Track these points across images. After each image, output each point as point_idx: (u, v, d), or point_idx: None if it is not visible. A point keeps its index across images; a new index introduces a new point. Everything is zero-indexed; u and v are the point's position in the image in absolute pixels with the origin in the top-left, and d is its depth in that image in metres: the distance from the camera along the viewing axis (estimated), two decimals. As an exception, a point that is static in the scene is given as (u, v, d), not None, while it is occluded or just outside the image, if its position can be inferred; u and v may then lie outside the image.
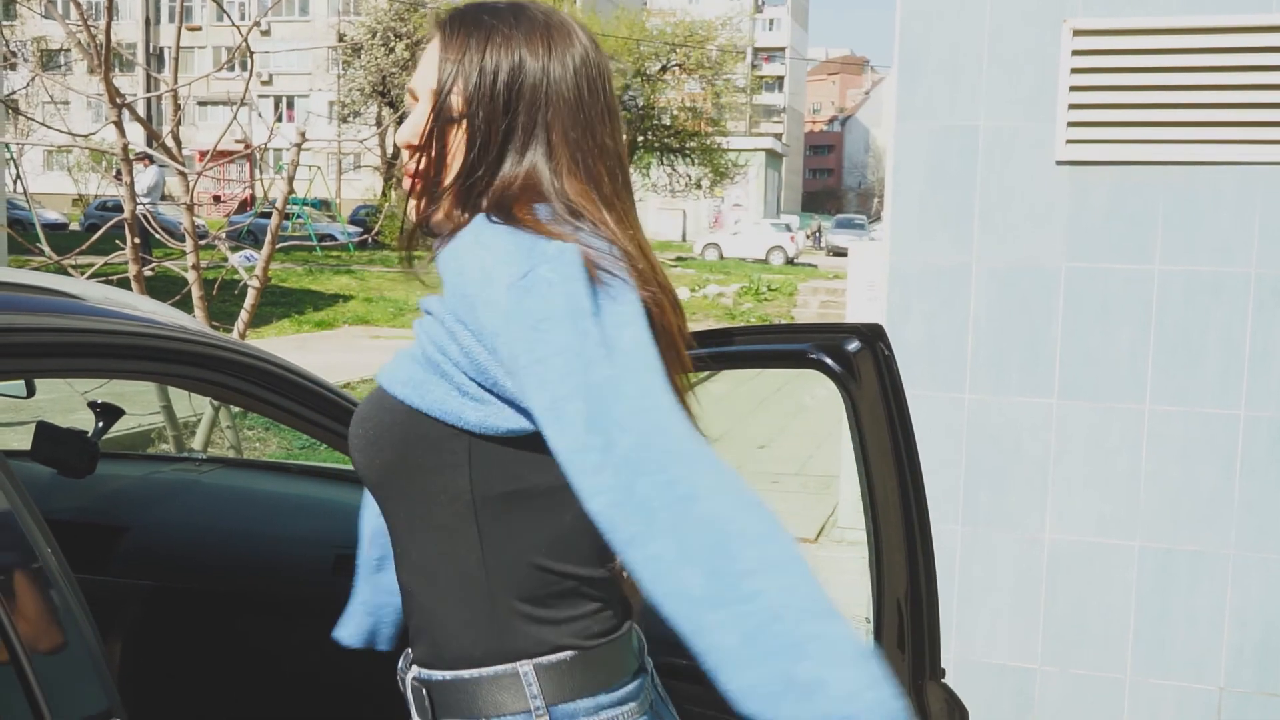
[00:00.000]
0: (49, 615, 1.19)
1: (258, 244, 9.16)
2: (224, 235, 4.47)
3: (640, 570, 0.95)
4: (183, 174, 4.03)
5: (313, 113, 44.95)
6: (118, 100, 3.77)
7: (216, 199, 30.87)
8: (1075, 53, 3.13)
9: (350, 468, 1.21)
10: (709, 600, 0.93)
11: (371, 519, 1.42)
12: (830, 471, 6.90)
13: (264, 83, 49.39)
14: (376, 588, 1.44)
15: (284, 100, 51.59)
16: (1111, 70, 3.13)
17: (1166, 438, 3.18)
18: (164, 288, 4.48)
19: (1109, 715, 3.27)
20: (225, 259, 4.34)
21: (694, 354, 1.20)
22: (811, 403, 9.69)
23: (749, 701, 0.91)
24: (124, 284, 3.45)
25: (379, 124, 30.61)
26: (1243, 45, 3.02)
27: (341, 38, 38.09)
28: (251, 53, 3.97)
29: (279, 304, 13.86)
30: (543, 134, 1.14)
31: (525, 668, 1.11)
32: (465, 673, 1.13)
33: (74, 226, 28.78)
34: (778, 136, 61.92)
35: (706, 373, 1.63)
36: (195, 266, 3.98)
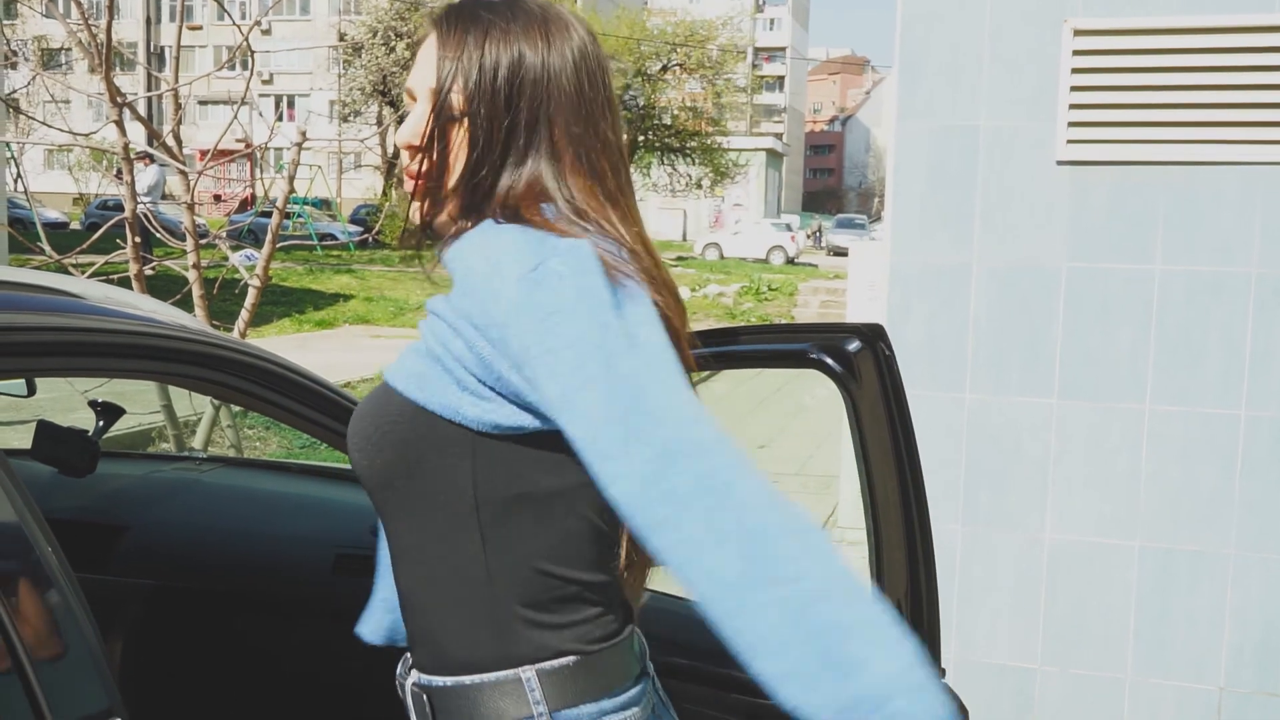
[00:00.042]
0: (49, 614, 1.19)
1: (258, 243, 9.16)
2: (225, 234, 4.48)
3: (670, 552, 0.94)
4: (183, 173, 4.03)
5: (313, 112, 44.93)
6: (118, 99, 3.77)
7: (217, 198, 30.86)
8: (1076, 53, 3.13)
9: (351, 467, 1.19)
10: (748, 581, 0.91)
11: None
12: (830, 471, 6.90)
13: (265, 82, 49.40)
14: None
15: (285, 99, 51.60)
16: (1112, 70, 3.13)
17: (1167, 438, 3.18)
18: (164, 287, 4.48)
19: (1109, 715, 3.27)
20: (226, 258, 4.35)
21: (695, 353, 1.19)
22: (811, 402, 9.69)
23: (787, 684, 0.89)
24: (124, 283, 3.45)
25: (380, 123, 30.61)
26: (1243, 45, 3.02)
27: (342, 37, 38.07)
28: (252, 52, 3.97)
29: (279, 303, 13.86)
30: (545, 130, 1.12)
31: (527, 673, 1.10)
32: (466, 678, 1.12)
33: (75, 225, 28.77)
34: (778, 136, 61.89)
35: (707, 372, 1.63)
36: (196, 266, 3.98)
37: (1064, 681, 3.29)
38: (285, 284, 15.64)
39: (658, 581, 1.38)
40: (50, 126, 4.25)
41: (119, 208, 4.04)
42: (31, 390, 2.48)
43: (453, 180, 1.13)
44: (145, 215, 4.34)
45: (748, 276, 21.54)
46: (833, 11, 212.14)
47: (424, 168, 1.14)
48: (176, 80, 4.05)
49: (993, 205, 3.24)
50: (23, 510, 1.18)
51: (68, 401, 2.75)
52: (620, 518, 0.98)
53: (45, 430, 2.26)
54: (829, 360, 1.63)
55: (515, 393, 1.05)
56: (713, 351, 1.64)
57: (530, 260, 1.02)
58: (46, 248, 4.12)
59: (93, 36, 4.00)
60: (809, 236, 43.16)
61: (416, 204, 1.16)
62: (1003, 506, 3.30)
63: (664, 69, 34.98)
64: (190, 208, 4.05)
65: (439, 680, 1.14)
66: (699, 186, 35.72)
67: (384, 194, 30.81)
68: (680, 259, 28.41)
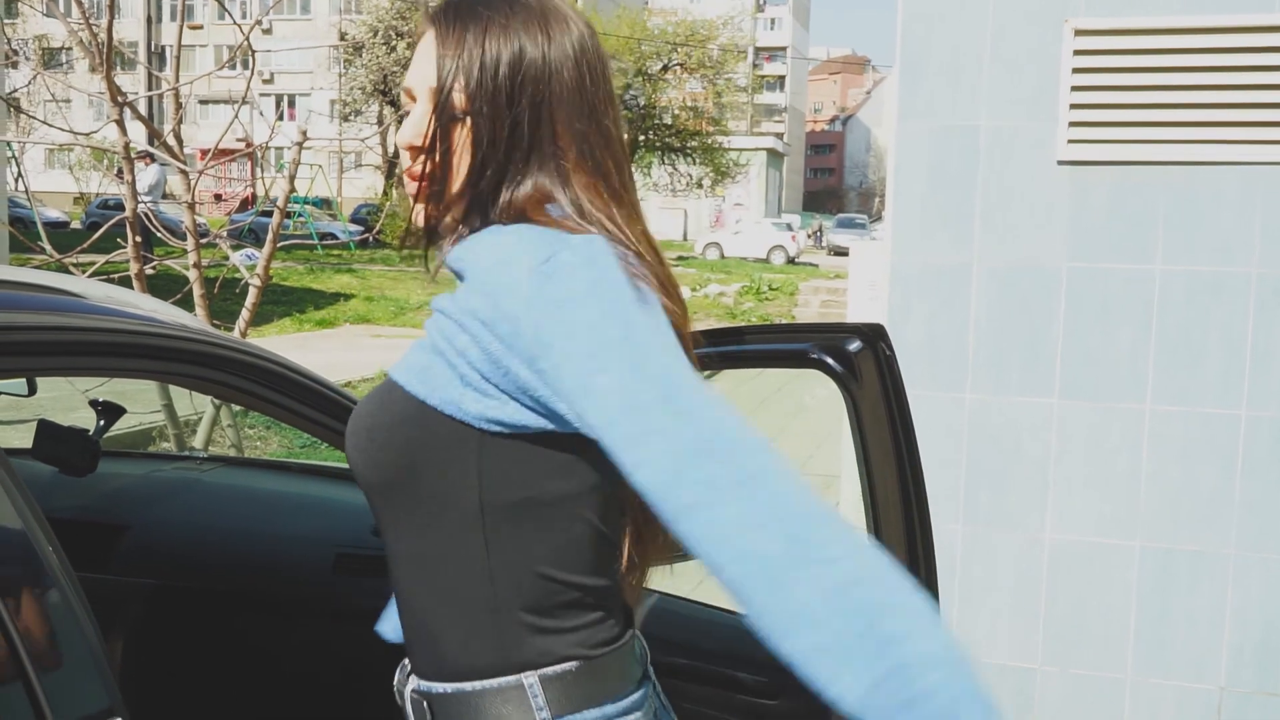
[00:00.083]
0: (50, 614, 1.19)
1: (259, 242, 9.17)
2: (225, 234, 4.48)
3: (701, 536, 0.91)
4: (184, 172, 4.03)
5: (314, 111, 44.94)
6: (119, 98, 3.77)
7: (218, 197, 30.88)
8: (1077, 52, 3.13)
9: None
10: (785, 561, 0.88)
11: None
12: (831, 471, 6.89)
13: (265, 81, 49.43)
14: None
15: (285, 99, 51.62)
16: (1113, 70, 3.13)
17: (1167, 438, 3.18)
18: (165, 286, 4.48)
19: (1109, 715, 3.27)
20: (226, 257, 4.35)
21: (697, 353, 1.18)
22: (812, 403, 9.68)
23: (819, 659, 0.87)
24: (125, 282, 3.45)
25: (380, 123, 30.61)
26: (1244, 45, 3.02)
27: (343, 36, 38.07)
28: (253, 51, 3.97)
29: (280, 303, 13.85)
30: (548, 127, 1.10)
31: (530, 679, 1.08)
32: (468, 685, 1.10)
33: (75, 225, 28.78)
34: (779, 136, 61.86)
35: (708, 372, 1.63)
36: (196, 265, 3.99)
37: (1064, 681, 3.29)
38: (286, 283, 15.64)
39: (658, 582, 1.38)
40: (51, 126, 4.25)
41: (120, 207, 4.04)
42: (32, 389, 2.48)
43: (457, 182, 1.11)
44: (146, 214, 4.35)
45: (748, 276, 21.54)
46: (833, 11, 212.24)
47: (426, 169, 1.12)
48: (177, 79, 4.05)
49: (993, 205, 3.24)
50: (23, 509, 1.18)
51: (68, 401, 2.75)
52: (648, 502, 0.95)
53: (46, 429, 2.26)
54: (830, 360, 1.63)
55: (525, 389, 1.02)
56: (714, 351, 1.65)
57: (542, 253, 1.01)
58: (47, 247, 4.12)
59: (93, 36, 4.00)
60: (810, 236, 43.15)
61: (420, 206, 1.14)
62: (1003, 506, 3.30)
63: (665, 68, 34.99)
64: (191, 207, 4.05)
65: (439, 687, 1.12)
66: (699, 186, 35.74)
67: (385, 193, 30.83)
68: (681, 259, 28.40)
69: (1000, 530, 3.31)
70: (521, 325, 0.99)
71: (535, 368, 1.00)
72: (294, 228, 22.52)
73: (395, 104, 31.39)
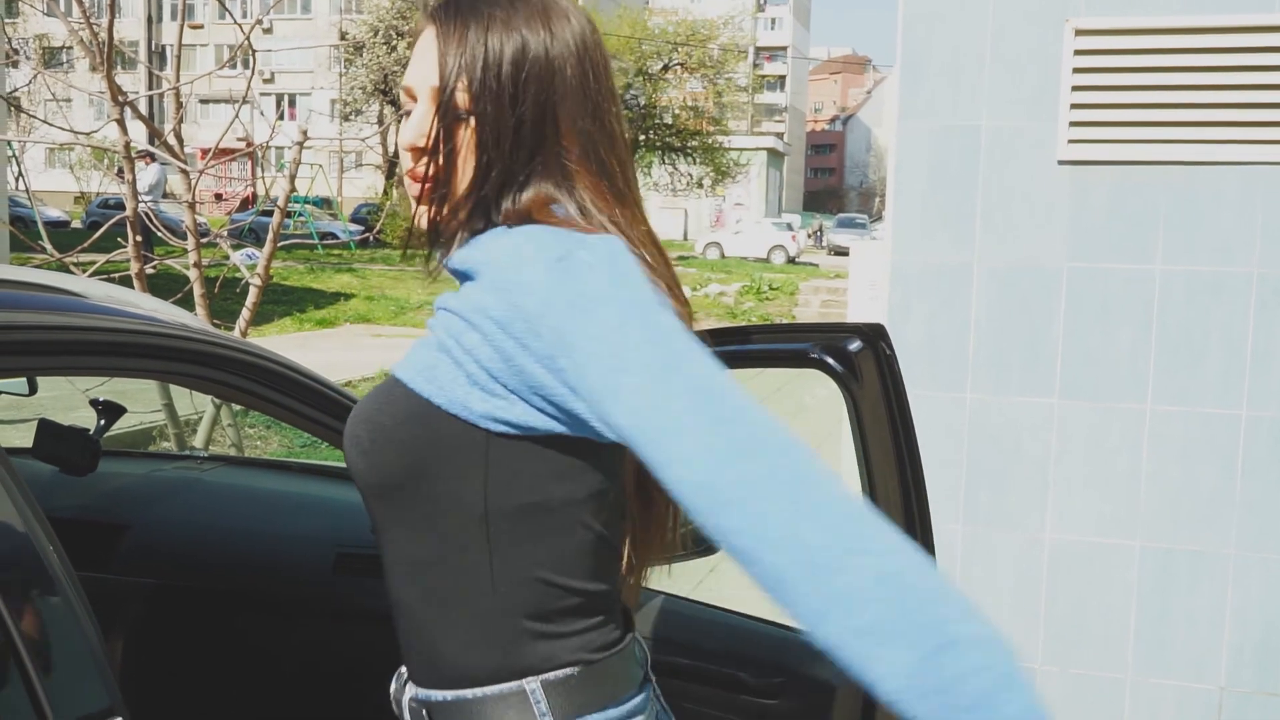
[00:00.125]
0: (50, 613, 1.19)
1: (259, 242, 9.17)
2: (226, 233, 4.48)
3: (742, 527, 0.88)
4: (185, 172, 4.03)
5: (315, 111, 44.91)
6: (120, 98, 3.77)
7: (218, 197, 30.87)
8: (1077, 52, 3.13)
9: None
10: (832, 549, 0.85)
11: None
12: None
13: (266, 80, 49.43)
14: None
15: (286, 98, 51.62)
16: (1113, 70, 3.13)
17: (1167, 438, 3.18)
18: (166, 285, 4.48)
19: (1109, 715, 3.27)
20: (227, 257, 4.35)
21: None
22: (812, 402, 9.67)
23: (861, 640, 0.84)
24: (126, 282, 3.45)
25: (381, 122, 30.62)
26: (1244, 45, 3.02)
27: (344, 36, 38.10)
28: (254, 50, 3.97)
29: (280, 302, 13.86)
30: (553, 127, 1.08)
31: (532, 684, 1.07)
32: (469, 692, 1.08)
33: (76, 224, 28.79)
34: (779, 135, 61.85)
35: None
36: (197, 264, 3.99)
37: (1064, 681, 3.29)
38: (286, 283, 15.65)
39: (659, 582, 1.38)
40: (52, 125, 4.25)
41: (120, 206, 4.04)
42: (33, 389, 2.48)
43: (463, 184, 1.09)
44: (146, 214, 4.35)
45: (749, 276, 21.54)
46: (834, 11, 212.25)
47: (430, 170, 1.09)
48: (178, 79, 4.05)
49: (993, 205, 3.24)
50: (24, 509, 1.18)
51: (69, 400, 2.75)
52: (676, 499, 0.92)
53: (47, 429, 2.26)
54: (830, 360, 1.63)
55: (538, 389, 1.00)
56: (714, 351, 1.64)
57: (558, 251, 0.99)
58: (48, 246, 4.12)
59: (94, 35, 4.00)
60: (810, 236, 43.15)
61: (423, 208, 1.11)
62: (1003, 506, 3.30)
63: (665, 68, 34.98)
64: (191, 206, 4.05)
65: (438, 695, 1.10)
66: (700, 186, 35.72)
67: (385, 193, 30.83)
68: (681, 258, 28.39)
69: (1000, 530, 3.31)
70: (540, 324, 0.97)
71: (553, 366, 0.98)
72: (294, 227, 22.52)
73: (396, 104, 31.36)
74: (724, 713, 1.83)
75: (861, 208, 77.49)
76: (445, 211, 1.10)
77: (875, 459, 1.66)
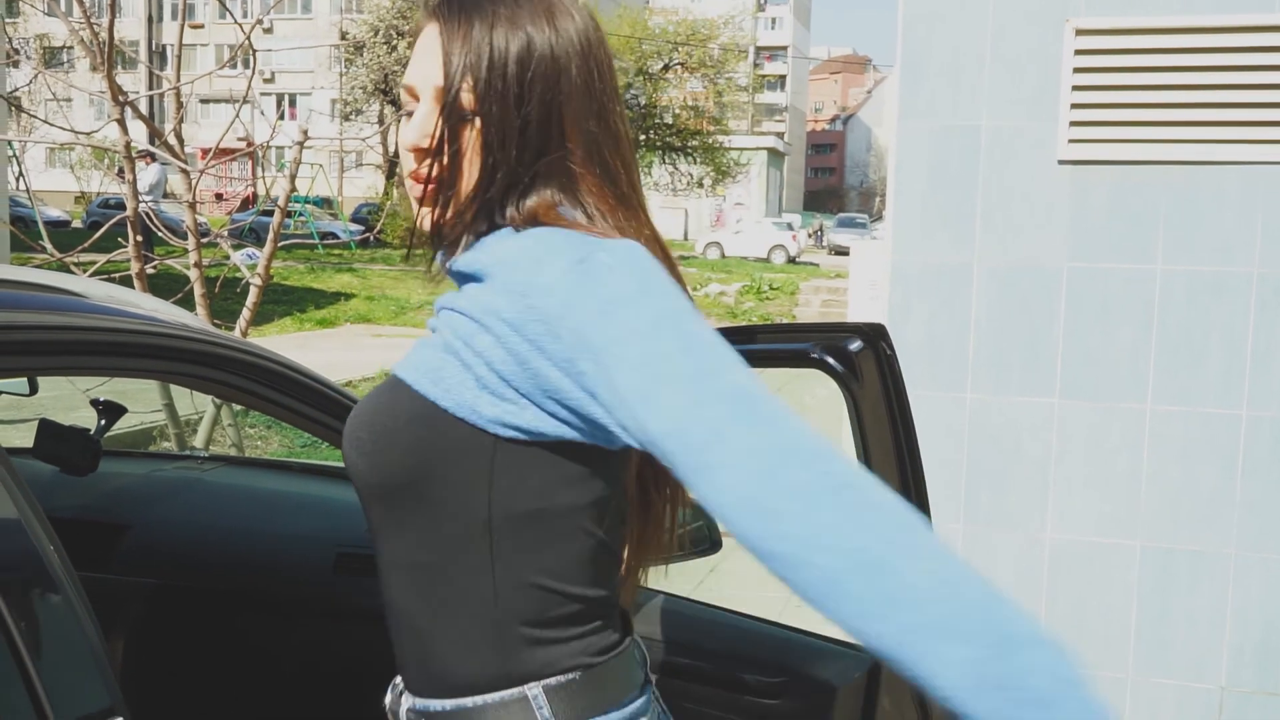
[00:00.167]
0: (51, 613, 1.20)
1: (260, 242, 9.17)
2: (226, 233, 4.48)
3: (791, 532, 0.86)
4: (185, 172, 4.03)
5: (315, 110, 44.89)
6: (120, 98, 3.77)
7: (219, 197, 30.87)
8: (1077, 52, 3.13)
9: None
10: (887, 553, 0.84)
11: None
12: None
13: (266, 80, 49.44)
14: None
15: (286, 98, 51.62)
16: (1113, 70, 3.13)
17: (1167, 438, 3.18)
18: (166, 285, 4.48)
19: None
20: (227, 257, 4.35)
21: None
22: (812, 402, 9.67)
23: (917, 637, 0.82)
24: (126, 281, 3.45)
25: (381, 122, 30.61)
26: (1244, 45, 3.02)
27: (344, 35, 38.09)
28: (254, 50, 3.97)
29: (281, 302, 13.86)
30: (558, 128, 1.05)
31: (534, 690, 1.05)
32: (469, 700, 1.06)
33: (76, 224, 28.77)
34: (780, 135, 61.83)
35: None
36: (197, 264, 3.99)
37: (1064, 681, 3.29)
38: (287, 283, 15.64)
39: (659, 582, 1.38)
40: (52, 125, 4.25)
41: (121, 206, 4.04)
42: (33, 389, 2.48)
43: (467, 186, 1.06)
44: (147, 214, 4.35)
45: (749, 275, 21.54)
46: (834, 11, 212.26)
47: (433, 172, 1.06)
48: (178, 78, 4.05)
49: (993, 205, 3.24)
50: (24, 509, 1.18)
51: (69, 400, 2.75)
52: (710, 508, 0.90)
53: (47, 429, 2.26)
54: (831, 360, 1.63)
55: (553, 393, 0.98)
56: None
57: (576, 254, 0.97)
58: (48, 246, 4.12)
59: (95, 35, 4.01)
60: (810, 236, 43.15)
61: (426, 210, 1.08)
62: (1003, 506, 3.30)
63: (665, 68, 34.99)
64: (192, 206, 4.05)
65: (437, 704, 1.08)
66: (700, 185, 35.72)
67: (385, 193, 30.84)
68: (682, 258, 28.37)
69: (1000, 530, 3.31)
70: (559, 326, 0.95)
71: (572, 370, 0.96)
72: (295, 227, 22.51)
73: (396, 103, 31.35)
74: (725, 713, 1.83)
75: (862, 207, 77.51)
76: (449, 214, 1.08)
77: (876, 459, 1.66)
